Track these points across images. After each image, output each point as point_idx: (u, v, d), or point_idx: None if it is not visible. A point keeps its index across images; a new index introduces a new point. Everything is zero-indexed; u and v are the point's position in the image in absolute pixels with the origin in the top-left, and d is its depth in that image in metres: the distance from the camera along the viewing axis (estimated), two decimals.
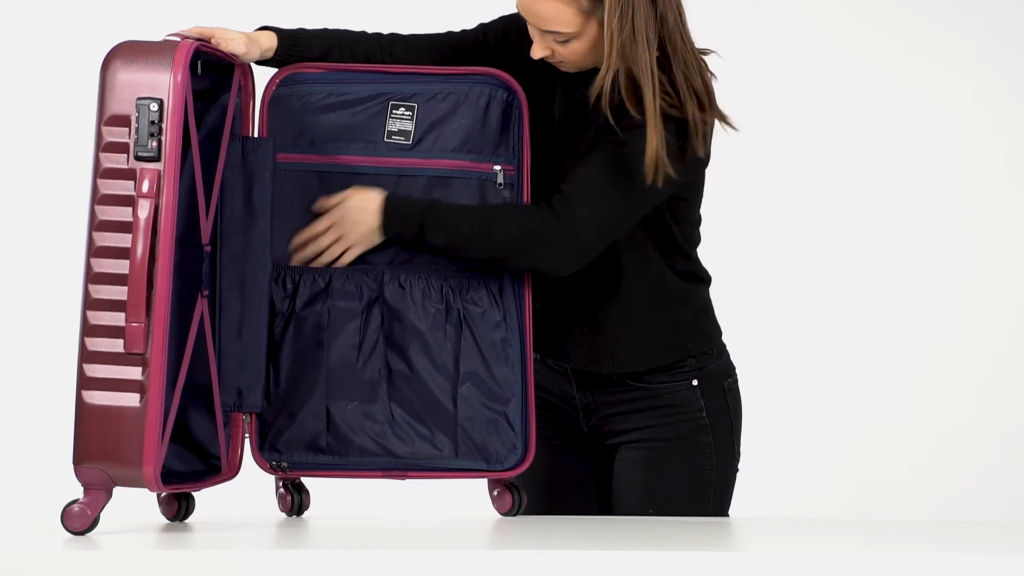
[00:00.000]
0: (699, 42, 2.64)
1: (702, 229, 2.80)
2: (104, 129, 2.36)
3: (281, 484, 2.68)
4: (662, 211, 2.69)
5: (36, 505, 2.72)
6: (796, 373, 4.46)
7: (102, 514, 2.37)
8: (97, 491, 2.35)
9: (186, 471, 2.55)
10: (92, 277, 2.35)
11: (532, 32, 2.62)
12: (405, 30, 2.74)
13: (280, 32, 2.64)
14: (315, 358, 2.64)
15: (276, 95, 2.64)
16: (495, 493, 2.68)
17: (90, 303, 2.34)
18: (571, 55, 2.61)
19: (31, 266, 4.46)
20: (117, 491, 2.37)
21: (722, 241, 3.06)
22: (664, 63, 2.58)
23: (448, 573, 2.20)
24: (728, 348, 2.82)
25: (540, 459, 2.68)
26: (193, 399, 2.56)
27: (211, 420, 2.59)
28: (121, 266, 2.33)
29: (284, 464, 2.63)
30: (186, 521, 2.55)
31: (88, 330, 2.34)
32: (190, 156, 2.47)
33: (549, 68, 2.67)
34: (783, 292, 4.48)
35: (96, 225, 2.35)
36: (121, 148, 2.35)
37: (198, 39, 2.45)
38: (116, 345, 2.33)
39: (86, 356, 2.34)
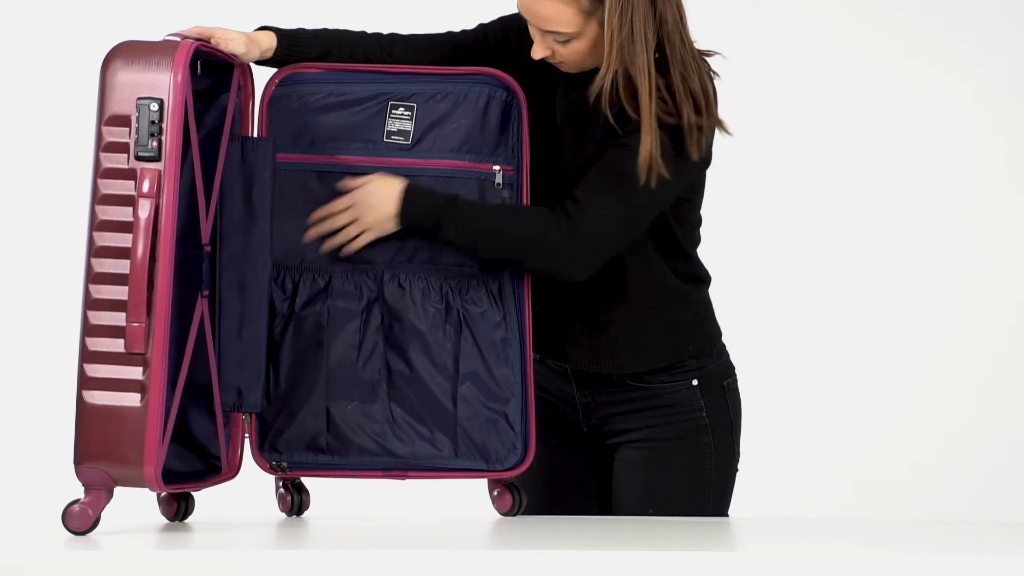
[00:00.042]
0: (699, 42, 2.64)
1: (702, 229, 2.80)
2: (104, 129, 2.36)
3: (281, 484, 2.68)
4: (665, 212, 2.69)
5: (37, 505, 2.72)
6: (796, 373, 4.46)
7: (102, 514, 2.37)
8: (98, 491, 2.36)
9: (186, 471, 2.55)
10: (93, 277, 2.35)
11: (532, 32, 2.62)
12: (405, 30, 2.75)
13: (279, 32, 2.64)
14: (315, 358, 2.64)
15: (275, 95, 2.64)
16: (495, 493, 2.68)
17: (91, 303, 2.34)
18: (571, 55, 2.61)
19: (32, 266, 4.46)
20: (117, 491, 2.37)
21: (722, 241, 3.06)
22: (662, 64, 2.58)
23: (448, 573, 2.20)
24: (728, 348, 2.83)
25: (540, 459, 2.68)
26: (193, 399, 2.56)
27: (211, 420, 2.59)
28: (122, 266, 2.33)
29: (284, 464, 2.63)
30: (186, 521, 2.55)
31: (89, 330, 2.34)
32: (190, 156, 2.47)
33: (550, 68, 2.67)
34: (783, 292, 4.48)
35: (96, 225, 2.35)
36: (121, 148, 2.35)
37: (198, 39, 2.45)
38: (117, 345, 2.33)
39: (87, 356, 2.34)
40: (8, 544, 2.33)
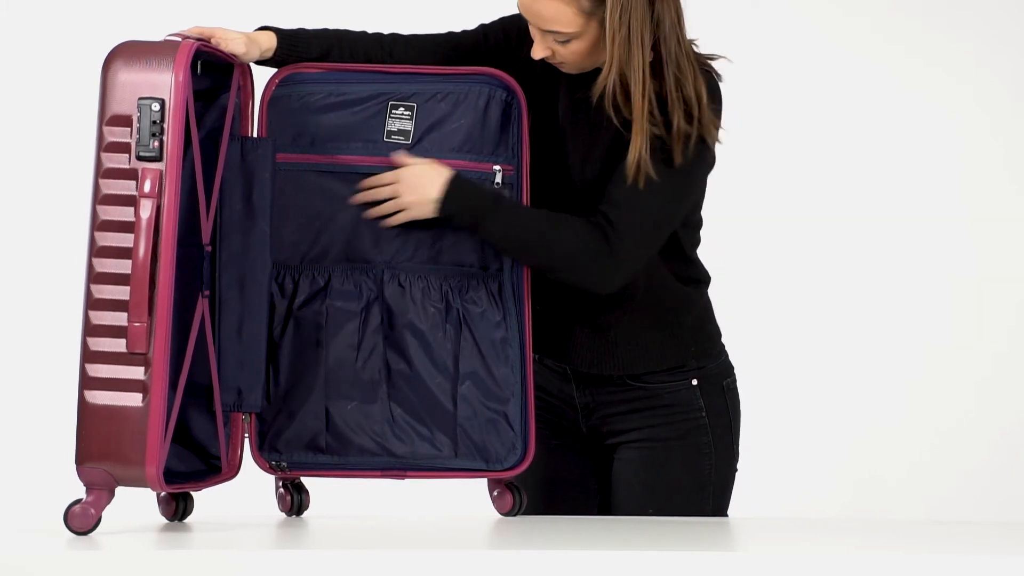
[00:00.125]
0: (699, 42, 2.64)
1: (702, 229, 2.80)
2: (105, 129, 2.36)
3: (281, 484, 2.68)
4: None
5: (38, 505, 2.72)
6: (796, 373, 4.46)
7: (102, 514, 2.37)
8: (99, 491, 2.36)
9: (186, 471, 2.55)
10: (94, 277, 2.35)
11: (533, 32, 2.62)
12: (405, 30, 2.75)
13: (280, 32, 2.64)
14: (314, 358, 2.64)
15: (275, 95, 2.64)
16: (495, 493, 2.68)
17: (92, 303, 2.35)
18: (571, 55, 2.61)
19: (33, 266, 4.46)
20: (116, 491, 2.37)
21: (722, 241, 3.06)
22: (657, 67, 2.58)
23: (448, 573, 2.20)
24: (728, 348, 2.83)
25: (539, 459, 2.68)
26: (193, 399, 2.56)
27: (211, 420, 2.60)
28: (123, 266, 2.33)
29: (284, 464, 2.63)
30: (186, 521, 2.55)
31: (90, 330, 2.34)
32: (190, 156, 2.47)
33: (551, 68, 2.67)
34: (783, 292, 4.48)
35: (98, 225, 2.35)
36: (122, 148, 2.35)
37: (198, 39, 2.45)
38: (118, 345, 2.33)
39: (88, 356, 2.34)
40: (9, 544, 2.33)
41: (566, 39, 2.59)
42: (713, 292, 2.82)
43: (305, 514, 2.69)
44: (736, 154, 2.92)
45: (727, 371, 2.81)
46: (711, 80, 2.63)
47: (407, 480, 2.66)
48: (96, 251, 2.35)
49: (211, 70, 2.57)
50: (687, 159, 2.59)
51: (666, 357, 2.74)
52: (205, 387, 2.57)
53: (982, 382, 4.48)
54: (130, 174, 2.34)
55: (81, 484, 2.36)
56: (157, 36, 2.44)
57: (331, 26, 2.71)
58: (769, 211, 4.47)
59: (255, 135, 2.63)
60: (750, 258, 4.40)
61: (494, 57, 2.72)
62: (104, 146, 2.36)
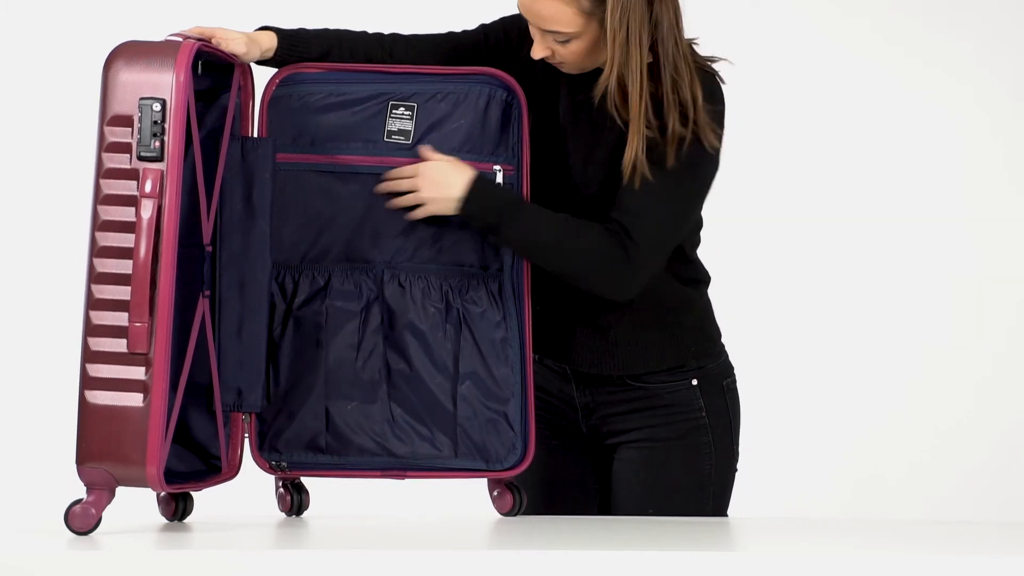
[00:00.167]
0: (699, 42, 2.64)
1: (702, 230, 2.80)
2: (106, 129, 2.36)
3: (281, 484, 2.69)
4: None
5: (39, 505, 2.72)
6: (796, 373, 4.46)
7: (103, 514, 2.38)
8: (100, 491, 2.36)
9: (186, 471, 2.56)
10: (95, 277, 2.35)
11: (533, 32, 2.62)
12: (405, 30, 2.75)
13: (280, 32, 2.64)
14: (314, 358, 2.64)
15: (276, 95, 2.64)
16: (495, 493, 2.68)
17: (93, 303, 2.35)
18: (571, 55, 2.61)
19: (34, 266, 4.46)
20: (116, 491, 2.37)
21: (722, 241, 3.06)
22: (655, 68, 2.58)
23: (448, 573, 2.21)
24: (728, 348, 2.83)
25: (539, 459, 2.68)
26: (193, 399, 2.56)
27: (211, 420, 2.60)
28: (124, 266, 2.33)
29: (284, 464, 2.63)
30: (186, 521, 2.55)
31: (91, 330, 2.34)
32: (191, 156, 2.47)
33: (552, 69, 2.67)
34: (783, 292, 4.48)
35: (99, 225, 2.35)
36: (123, 148, 2.35)
37: (199, 39, 2.45)
38: (119, 345, 2.33)
39: (89, 356, 2.34)
40: (10, 544, 2.33)
41: (566, 39, 2.59)
42: (713, 292, 2.82)
43: (305, 514, 2.69)
44: (736, 154, 2.92)
45: (727, 371, 2.81)
46: (711, 82, 2.63)
47: (407, 480, 2.66)
48: (97, 251, 2.35)
49: (212, 70, 2.57)
50: (681, 161, 2.59)
51: (666, 357, 2.75)
52: (205, 387, 2.58)
53: (982, 382, 4.48)
54: (131, 174, 2.34)
55: (81, 484, 2.36)
56: (158, 36, 2.44)
57: (331, 26, 2.71)
58: (769, 211, 4.47)
59: (255, 135, 2.63)
60: (750, 258, 4.40)
61: (494, 57, 2.72)
62: (105, 146, 2.36)
